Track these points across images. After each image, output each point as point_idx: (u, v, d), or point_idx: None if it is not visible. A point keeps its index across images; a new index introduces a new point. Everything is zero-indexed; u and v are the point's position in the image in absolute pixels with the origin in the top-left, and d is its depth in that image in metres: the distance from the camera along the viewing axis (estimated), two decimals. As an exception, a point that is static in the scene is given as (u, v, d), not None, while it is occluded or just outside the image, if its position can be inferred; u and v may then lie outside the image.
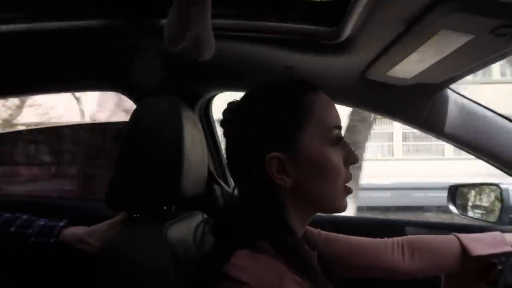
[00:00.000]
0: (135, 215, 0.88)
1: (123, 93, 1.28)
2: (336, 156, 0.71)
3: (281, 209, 0.70)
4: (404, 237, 0.95)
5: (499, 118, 1.14)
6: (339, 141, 0.72)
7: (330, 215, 1.35)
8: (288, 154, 0.69)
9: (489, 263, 0.93)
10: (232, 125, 0.75)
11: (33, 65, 1.11)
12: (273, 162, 0.69)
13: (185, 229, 0.85)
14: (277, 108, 0.71)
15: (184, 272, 0.74)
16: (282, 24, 0.90)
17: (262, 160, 0.69)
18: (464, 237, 0.92)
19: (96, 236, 0.99)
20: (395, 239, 0.94)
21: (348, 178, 0.74)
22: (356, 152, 0.75)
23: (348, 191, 0.74)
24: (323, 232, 0.94)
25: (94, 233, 1.00)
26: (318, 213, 0.77)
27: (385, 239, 0.95)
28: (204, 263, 0.69)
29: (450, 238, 0.93)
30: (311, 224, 0.82)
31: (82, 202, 1.40)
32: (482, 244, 0.91)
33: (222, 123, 0.77)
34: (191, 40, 0.73)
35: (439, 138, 1.20)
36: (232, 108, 0.76)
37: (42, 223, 1.03)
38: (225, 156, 0.79)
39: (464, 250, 0.90)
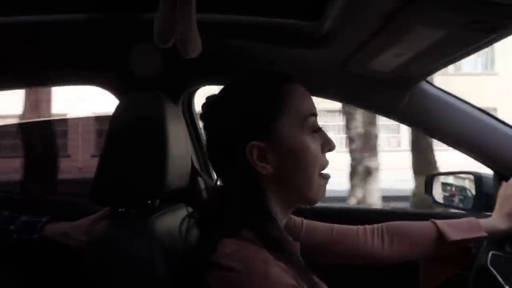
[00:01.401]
0: (120, 210, 0.89)
1: (105, 87, 1.27)
2: (313, 144, 0.74)
3: (263, 198, 0.73)
4: (383, 224, 0.98)
5: (474, 109, 1.18)
6: (315, 129, 0.76)
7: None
8: (267, 143, 0.72)
9: (465, 248, 0.97)
10: (211, 118, 0.77)
11: (13, 58, 1.10)
12: (254, 150, 0.72)
13: (170, 222, 0.86)
14: (254, 98, 0.74)
15: (171, 265, 0.75)
16: (264, 18, 0.91)
17: (243, 150, 0.72)
18: (441, 223, 0.96)
19: (81, 231, 1.00)
20: (375, 226, 0.98)
21: (324, 165, 0.77)
22: (332, 140, 0.78)
23: (326, 178, 0.77)
24: (306, 221, 0.97)
25: (78, 228, 1.00)
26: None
27: (365, 226, 0.98)
28: (191, 254, 0.71)
29: (427, 224, 0.97)
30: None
31: (64, 198, 1.39)
32: (458, 230, 0.95)
33: (201, 116, 0.79)
34: (176, 38, 0.74)
35: (416, 130, 1.23)
36: (210, 101, 0.79)
37: (24, 219, 1.03)
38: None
39: (440, 235, 0.94)
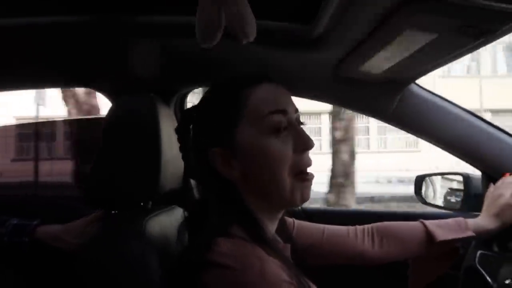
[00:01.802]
0: (113, 212, 0.89)
1: (98, 90, 1.26)
2: (277, 144, 0.70)
3: (241, 202, 0.72)
4: (373, 224, 1.00)
5: (463, 111, 1.20)
6: (281, 127, 0.71)
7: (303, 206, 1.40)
8: (229, 148, 0.72)
9: (453, 248, 0.99)
10: (181, 126, 0.79)
11: (4, 60, 1.09)
12: (217, 157, 0.72)
13: (163, 223, 0.87)
14: (213, 105, 0.75)
15: (166, 266, 0.76)
16: (257, 21, 0.92)
17: (207, 156, 0.72)
18: (430, 223, 0.98)
19: (73, 234, 0.99)
20: (365, 226, 0.99)
21: (299, 165, 0.71)
22: (308, 137, 0.72)
23: (304, 178, 0.72)
24: (297, 221, 0.98)
25: (71, 231, 1.00)
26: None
27: (356, 226, 0.99)
28: (185, 255, 0.71)
29: (416, 225, 0.99)
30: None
31: (57, 200, 1.38)
32: (446, 230, 0.96)
33: (176, 130, 0.81)
34: (231, 21, 0.66)
35: (406, 131, 1.25)
36: (186, 111, 0.81)
37: (15, 222, 1.02)
38: None
39: (429, 235, 0.95)
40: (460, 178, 1.39)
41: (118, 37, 0.99)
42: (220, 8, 0.66)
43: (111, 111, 0.86)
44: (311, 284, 0.73)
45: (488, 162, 1.20)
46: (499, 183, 1.07)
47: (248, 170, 0.71)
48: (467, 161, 1.24)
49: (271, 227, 0.77)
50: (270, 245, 0.69)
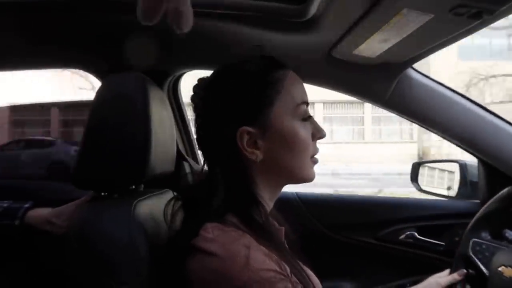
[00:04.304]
0: (102, 194, 0.87)
1: (88, 70, 1.24)
2: (304, 131, 0.75)
3: (250, 183, 0.72)
4: None
5: (460, 97, 1.19)
6: (306, 117, 0.76)
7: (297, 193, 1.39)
8: (259, 128, 0.72)
9: None
10: (203, 101, 0.76)
11: None
12: (244, 136, 0.71)
13: (154, 206, 0.85)
14: (247, 83, 0.74)
15: (155, 248, 0.75)
16: (250, 2, 0.90)
17: (234, 135, 0.71)
18: None
19: (63, 217, 0.98)
20: None
21: (315, 151, 0.78)
22: (322, 128, 0.78)
23: (315, 162, 0.78)
24: None
25: (61, 214, 0.99)
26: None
27: None
28: (174, 238, 0.70)
29: None
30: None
31: (47, 183, 1.38)
32: None
33: (193, 98, 0.78)
34: (169, 13, 0.71)
35: (402, 117, 1.23)
36: (202, 84, 0.77)
37: (5, 205, 1.01)
38: (194, 133, 0.80)
39: None
40: (456, 165, 1.39)
41: (108, 16, 0.97)
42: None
43: (99, 90, 0.85)
44: (305, 268, 0.73)
45: (485, 149, 1.19)
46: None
47: (274, 150, 0.73)
48: (463, 148, 1.23)
49: (270, 205, 0.78)
50: (264, 229, 0.68)
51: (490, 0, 0.71)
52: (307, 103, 0.77)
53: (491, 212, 1.00)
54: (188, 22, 0.72)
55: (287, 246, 0.75)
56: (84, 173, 0.83)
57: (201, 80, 0.78)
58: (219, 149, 0.73)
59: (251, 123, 0.72)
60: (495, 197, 1.00)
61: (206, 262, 0.63)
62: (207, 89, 0.76)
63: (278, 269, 0.63)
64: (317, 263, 0.79)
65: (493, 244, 0.96)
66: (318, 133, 0.78)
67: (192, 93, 0.78)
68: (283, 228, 0.80)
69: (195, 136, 0.97)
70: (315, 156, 0.78)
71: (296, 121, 0.74)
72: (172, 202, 0.75)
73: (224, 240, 0.63)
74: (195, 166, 1.29)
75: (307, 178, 0.77)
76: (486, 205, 1.00)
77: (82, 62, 1.25)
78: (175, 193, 0.78)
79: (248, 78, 0.74)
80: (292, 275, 0.65)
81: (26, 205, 1.01)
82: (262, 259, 0.62)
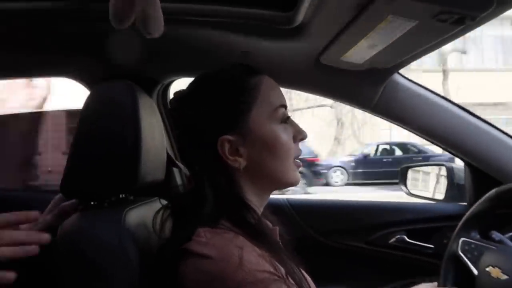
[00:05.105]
0: (92, 203, 0.87)
1: (76, 79, 1.23)
2: (284, 134, 0.75)
3: (238, 190, 0.73)
4: None
5: (447, 102, 1.21)
6: (285, 119, 0.76)
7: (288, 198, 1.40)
8: (239, 135, 0.72)
9: None
10: (180, 113, 0.77)
11: None
12: (225, 144, 0.72)
13: (144, 215, 0.85)
14: (223, 91, 0.74)
15: (145, 256, 0.74)
16: (238, 9, 0.90)
17: (214, 144, 0.71)
18: None
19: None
20: None
21: (298, 153, 0.78)
22: (303, 129, 0.79)
23: (298, 165, 0.78)
24: None
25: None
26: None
27: None
28: (166, 245, 0.70)
29: None
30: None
31: (20, 194, 1.35)
32: None
33: (170, 112, 0.78)
34: (138, 17, 0.71)
35: (390, 122, 1.25)
36: (178, 97, 0.78)
37: None
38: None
39: None
40: (443, 168, 1.41)
41: (95, 25, 0.97)
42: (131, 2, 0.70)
43: (87, 98, 0.84)
44: (300, 269, 0.73)
45: (471, 152, 1.21)
46: None
47: (256, 156, 0.73)
48: (450, 152, 1.25)
49: (259, 211, 0.78)
50: (258, 231, 0.69)
51: (472, 6, 0.73)
52: (285, 106, 0.77)
53: (480, 212, 1.01)
54: (158, 26, 0.73)
55: (282, 246, 0.75)
56: (73, 182, 0.83)
57: (177, 93, 0.79)
58: (202, 159, 0.73)
59: (230, 131, 0.72)
60: (483, 197, 1.01)
61: (200, 265, 0.63)
62: (183, 101, 0.77)
63: (272, 270, 0.63)
64: (308, 268, 0.79)
65: (482, 244, 0.97)
66: (299, 135, 0.78)
67: (170, 107, 0.79)
68: (277, 227, 0.80)
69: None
70: (297, 158, 0.78)
71: (276, 125, 0.74)
72: (162, 211, 0.75)
73: (217, 242, 0.64)
74: (186, 172, 1.28)
75: (291, 181, 0.77)
76: (475, 205, 1.01)
77: (70, 71, 1.24)
78: (163, 202, 0.78)
79: (223, 86, 0.75)
80: (288, 276, 0.65)
81: None
82: (256, 260, 0.62)
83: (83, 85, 1.24)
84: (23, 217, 0.67)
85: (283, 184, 0.77)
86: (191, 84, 0.78)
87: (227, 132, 0.72)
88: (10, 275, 0.63)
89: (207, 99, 0.74)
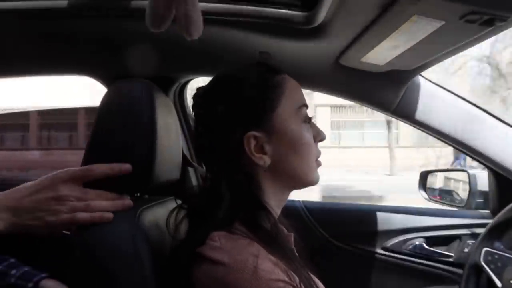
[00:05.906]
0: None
1: (94, 76, 1.24)
2: (307, 133, 0.75)
3: (257, 191, 0.72)
4: None
5: (470, 106, 1.17)
6: (308, 119, 0.77)
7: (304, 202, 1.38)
8: (265, 132, 0.72)
9: None
10: (204, 109, 0.75)
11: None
12: (251, 141, 0.71)
13: (158, 215, 0.84)
14: (249, 87, 0.73)
15: (159, 257, 0.74)
16: (257, 8, 0.89)
17: (240, 140, 0.70)
18: None
19: None
20: None
21: (318, 154, 0.78)
22: (322, 131, 0.79)
23: (319, 164, 0.78)
24: None
25: None
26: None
27: None
28: (180, 247, 0.69)
29: None
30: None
31: None
32: None
33: (193, 107, 0.77)
34: (179, 19, 0.71)
35: (410, 125, 1.22)
36: (201, 92, 0.77)
37: (26, 269, 1.00)
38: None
39: None
40: (465, 174, 1.37)
41: (114, 23, 0.97)
42: (170, 3, 0.70)
43: (105, 96, 0.84)
44: (314, 277, 0.71)
45: (496, 159, 1.17)
46: None
47: (281, 154, 0.72)
48: (473, 158, 1.21)
49: (277, 212, 0.77)
50: (273, 238, 0.67)
51: (503, 6, 0.70)
52: (307, 106, 0.77)
53: (504, 221, 0.97)
54: (198, 28, 0.73)
55: (296, 254, 0.74)
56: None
57: (200, 89, 0.78)
58: (224, 157, 0.72)
59: (256, 128, 0.71)
60: (508, 206, 0.97)
61: (212, 271, 0.61)
62: (208, 97, 0.76)
63: (286, 279, 0.61)
64: (323, 273, 0.77)
65: (506, 255, 0.93)
66: (318, 136, 0.78)
67: (193, 103, 0.78)
68: (292, 234, 0.79)
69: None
70: (318, 158, 0.78)
71: (300, 124, 0.75)
72: (176, 212, 0.74)
73: (231, 249, 0.62)
74: (201, 171, 1.28)
75: (313, 181, 0.77)
76: (499, 214, 0.98)
77: (88, 69, 1.24)
78: (178, 202, 0.77)
79: (250, 82, 0.74)
80: (301, 285, 0.63)
81: (43, 275, 1.00)
82: (270, 268, 0.61)
83: (101, 83, 1.24)
84: (117, 169, 0.74)
85: (304, 183, 0.77)
86: (214, 80, 0.78)
87: (253, 129, 0.71)
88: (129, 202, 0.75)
89: (233, 95, 0.73)
